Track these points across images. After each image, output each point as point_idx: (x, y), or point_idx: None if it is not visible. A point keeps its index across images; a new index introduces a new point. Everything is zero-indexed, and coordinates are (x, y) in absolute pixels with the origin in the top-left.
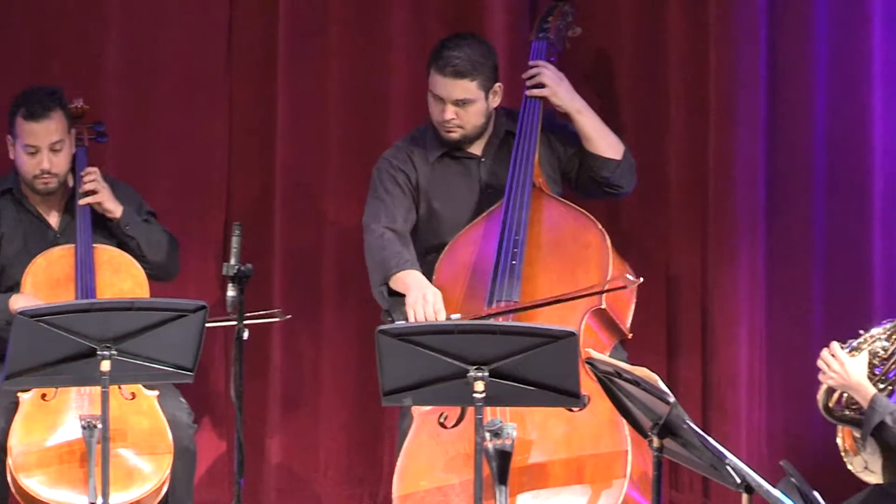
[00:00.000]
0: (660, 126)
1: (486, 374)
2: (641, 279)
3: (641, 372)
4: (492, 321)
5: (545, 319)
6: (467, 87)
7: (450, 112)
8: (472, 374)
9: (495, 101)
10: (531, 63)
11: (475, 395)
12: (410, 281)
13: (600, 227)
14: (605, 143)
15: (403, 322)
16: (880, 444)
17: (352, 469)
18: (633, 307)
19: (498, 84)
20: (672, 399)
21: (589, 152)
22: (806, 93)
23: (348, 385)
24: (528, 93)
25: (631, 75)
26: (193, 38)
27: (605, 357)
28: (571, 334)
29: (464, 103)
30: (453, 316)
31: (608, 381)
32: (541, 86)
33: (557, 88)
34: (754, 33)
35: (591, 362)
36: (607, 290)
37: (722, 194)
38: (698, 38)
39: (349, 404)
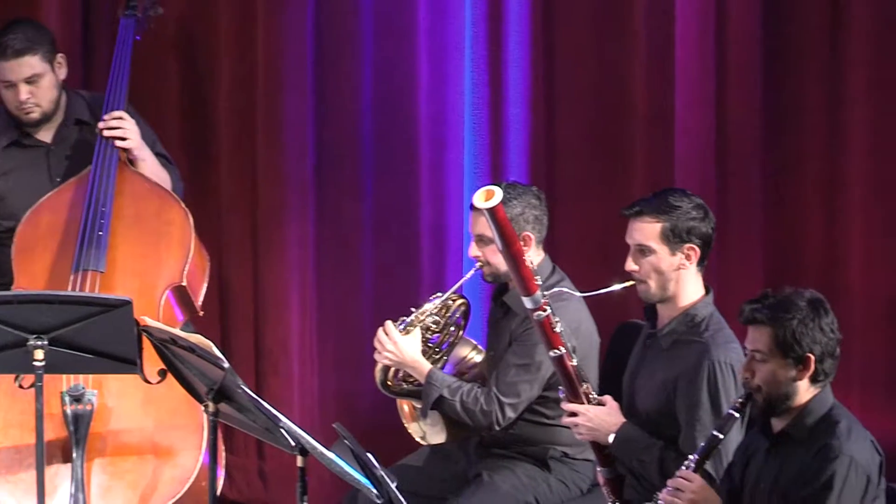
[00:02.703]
0: (207, 100)
1: (46, 342)
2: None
3: (196, 339)
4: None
5: (126, 292)
6: (32, 63)
7: (24, 92)
8: (31, 342)
9: (62, 72)
10: (116, 114)
11: (35, 363)
12: None
13: (184, 206)
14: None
15: None
16: (442, 414)
17: None
18: (205, 286)
19: (60, 55)
20: (226, 364)
21: None
22: (353, 62)
23: None
24: (114, 144)
25: (178, 46)
26: None
27: (159, 324)
28: (126, 303)
29: (34, 80)
30: None
31: (164, 349)
32: (123, 139)
33: (137, 143)
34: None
35: (146, 330)
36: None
37: (271, 162)
38: (247, 3)
39: None
